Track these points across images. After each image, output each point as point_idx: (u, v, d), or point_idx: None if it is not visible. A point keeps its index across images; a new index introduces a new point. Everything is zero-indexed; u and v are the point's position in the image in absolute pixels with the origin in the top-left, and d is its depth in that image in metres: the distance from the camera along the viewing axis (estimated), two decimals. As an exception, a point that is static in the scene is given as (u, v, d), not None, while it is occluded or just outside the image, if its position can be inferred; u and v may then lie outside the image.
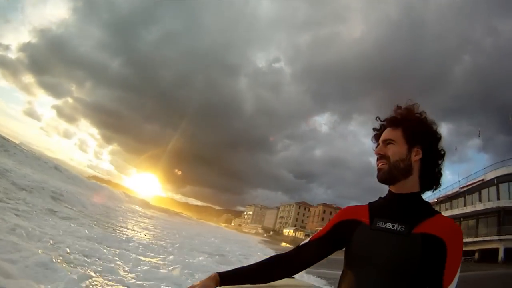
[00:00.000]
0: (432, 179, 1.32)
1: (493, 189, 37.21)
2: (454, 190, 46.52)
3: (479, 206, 37.72)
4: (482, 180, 39.37)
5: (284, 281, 1.48)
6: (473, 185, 41.60)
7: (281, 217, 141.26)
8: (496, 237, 34.11)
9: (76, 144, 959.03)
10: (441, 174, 1.34)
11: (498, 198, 35.83)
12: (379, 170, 1.30)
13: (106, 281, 5.63)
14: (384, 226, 1.22)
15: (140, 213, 31.75)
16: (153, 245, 12.14)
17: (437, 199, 52.11)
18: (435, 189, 1.37)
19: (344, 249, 1.36)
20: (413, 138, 1.29)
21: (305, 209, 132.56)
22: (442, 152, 1.32)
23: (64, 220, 11.60)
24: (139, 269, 7.10)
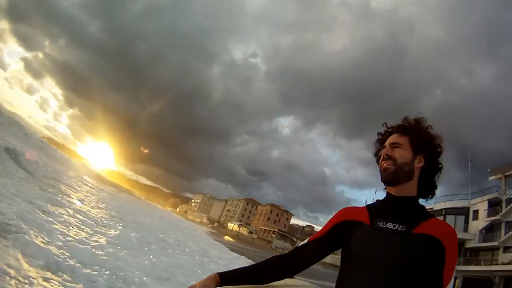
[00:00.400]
0: (429, 188, 1.39)
1: (440, 219, 39.19)
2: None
3: (423, 232, 39.68)
4: (431, 208, 41.36)
5: (284, 281, 1.47)
6: (420, 212, 43.73)
7: (228, 210, 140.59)
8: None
9: (37, 102, 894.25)
10: (436, 186, 1.41)
11: (443, 228, 37.75)
12: (385, 169, 1.34)
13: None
14: (385, 226, 1.25)
15: (90, 184, 29.72)
16: (90, 217, 10.95)
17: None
18: (430, 198, 1.42)
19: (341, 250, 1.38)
20: (419, 147, 1.36)
21: (252, 206, 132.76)
22: (440, 166, 1.40)
23: (10, 179, 10.20)
24: (60, 237, 6.44)
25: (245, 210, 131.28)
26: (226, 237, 69.65)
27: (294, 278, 1.63)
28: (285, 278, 1.42)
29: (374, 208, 1.36)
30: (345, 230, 1.33)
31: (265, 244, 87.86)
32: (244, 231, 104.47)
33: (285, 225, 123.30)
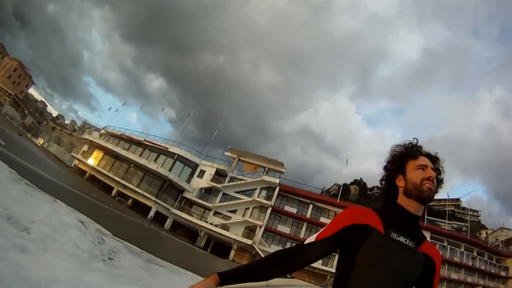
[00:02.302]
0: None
1: (170, 160, 44.96)
2: (139, 137, 50.75)
3: (152, 165, 44.52)
4: (166, 148, 46.32)
5: (284, 281, 1.47)
6: (156, 146, 47.86)
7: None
8: (153, 198, 41.91)
9: None
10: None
11: (170, 170, 43.48)
12: (429, 189, 1.42)
13: None
14: (398, 239, 1.35)
15: None
16: None
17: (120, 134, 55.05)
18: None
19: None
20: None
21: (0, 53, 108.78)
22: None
23: None
24: None
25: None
26: None
27: (294, 278, 2.89)
28: (287, 273, 1.42)
29: (386, 217, 1.41)
30: (356, 234, 1.37)
31: (-5, 105, 77.28)
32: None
33: (23, 91, 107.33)
